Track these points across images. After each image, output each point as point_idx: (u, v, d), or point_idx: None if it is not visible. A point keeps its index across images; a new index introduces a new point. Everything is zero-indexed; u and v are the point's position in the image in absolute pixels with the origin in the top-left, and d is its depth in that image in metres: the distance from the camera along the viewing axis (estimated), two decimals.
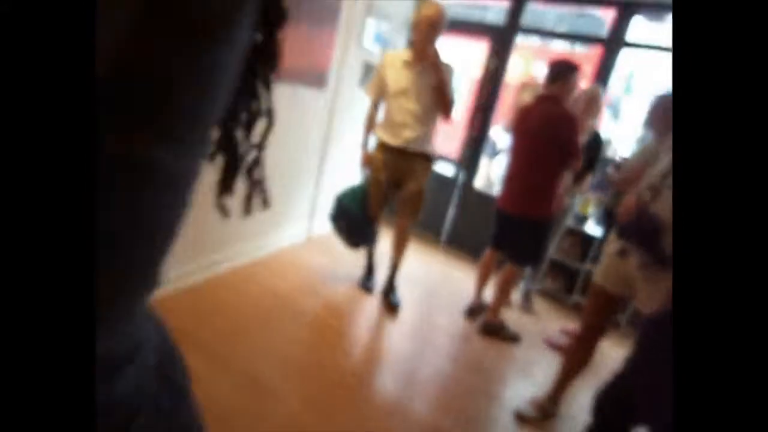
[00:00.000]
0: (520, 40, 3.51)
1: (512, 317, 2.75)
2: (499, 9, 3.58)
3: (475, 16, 3.60)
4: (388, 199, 2.43)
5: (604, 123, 2.72)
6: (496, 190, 3.71)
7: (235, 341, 1.91)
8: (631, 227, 1.52)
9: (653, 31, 4.80)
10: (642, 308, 1.54)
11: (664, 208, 1.43)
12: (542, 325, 2.85)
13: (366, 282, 2.67)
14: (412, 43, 2.23)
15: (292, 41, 2.37)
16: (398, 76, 2.23)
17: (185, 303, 2.06)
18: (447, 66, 2.19)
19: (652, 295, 1.49)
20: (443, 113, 2.27)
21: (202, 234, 2.23)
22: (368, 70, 3.12)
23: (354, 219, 2.44)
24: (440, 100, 2.22)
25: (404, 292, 2.77)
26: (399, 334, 2.34)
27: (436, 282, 3.12)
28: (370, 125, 2.42)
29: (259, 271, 2.58)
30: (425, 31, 2.12)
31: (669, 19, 3.63)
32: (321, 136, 3.00)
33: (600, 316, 1.71)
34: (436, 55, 2.13)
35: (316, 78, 2.69)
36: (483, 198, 3.60)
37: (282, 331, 2.09)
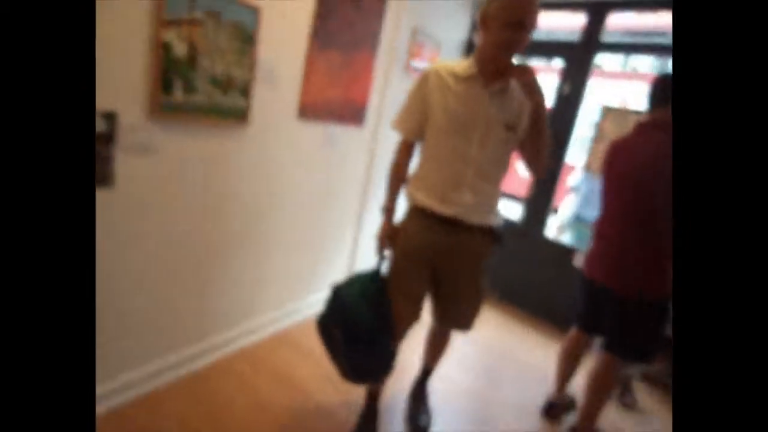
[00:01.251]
0: (599, 60, 2.93)
1: (608, 417, 2.05)
2: (571, 31, 3.05)
3: (544, 36, 3.09)
4: (424, 298, 1.49)
5: None
6: (567, 238, 3.04)
7: None
8: None
9: None
10: None
11: None
12: (650, 427, 2.11)
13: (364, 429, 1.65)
14: (481, 50, 1.31)
15: (325, 73, 1.99)
16: (451, 99, 1.32)
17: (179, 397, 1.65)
18: (539, 86, 1.28)
19: None
20: (534, 162, 1.37)
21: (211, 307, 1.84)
22: None
23: (360, 330, 1.36)
24: (534, 141, 1.33)
25: (450, 374, 2.17)
26: None
27: (493, 357, 2.49)
28: (399, 177, 1.47)
29: (257, 358, 2.05)
30: (513, 29, 1.21)
31: None
32: (359, 185, 2.56)
33: None
34: (526, 68, 1.23)
35: (354, 114, 2.29)
36: (556, 249, 2.95)
37: None
